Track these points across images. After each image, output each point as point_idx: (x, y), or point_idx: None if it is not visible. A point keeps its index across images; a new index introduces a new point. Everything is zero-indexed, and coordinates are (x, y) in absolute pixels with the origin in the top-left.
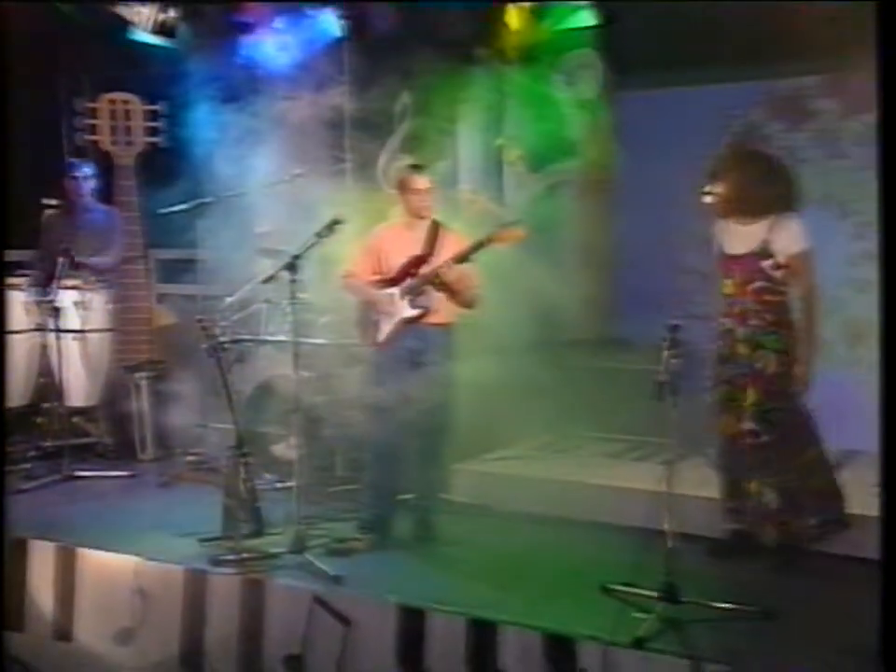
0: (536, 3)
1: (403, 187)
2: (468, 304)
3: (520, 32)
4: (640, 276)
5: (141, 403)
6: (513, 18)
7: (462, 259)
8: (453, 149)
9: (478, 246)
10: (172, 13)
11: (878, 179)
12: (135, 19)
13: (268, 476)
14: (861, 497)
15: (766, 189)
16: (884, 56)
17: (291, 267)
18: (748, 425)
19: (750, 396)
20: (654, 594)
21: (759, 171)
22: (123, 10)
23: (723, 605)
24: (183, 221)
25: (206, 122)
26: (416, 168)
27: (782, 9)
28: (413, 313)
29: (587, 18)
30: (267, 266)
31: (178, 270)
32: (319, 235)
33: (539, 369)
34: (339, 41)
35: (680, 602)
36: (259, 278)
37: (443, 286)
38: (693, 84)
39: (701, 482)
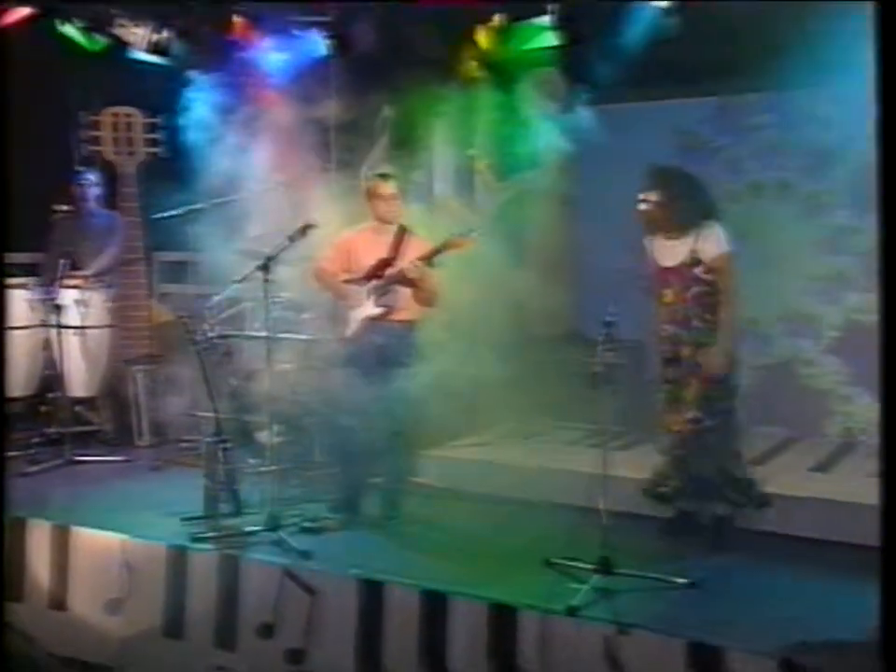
0: (504, 23)
1: (371, 194)
2: (429, 303)
3: (489, 51)
4: (599, 278)
5: (138, 394)
6: (483, 38)
7: (423, 261)
8: (428, 159)
9: (436, 251)
10: (165, 34)
11: (878, 179)
12: (131, 39)
13: (252, 461)
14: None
15: (687, 205)
16: (884, 56)
17: (265, 267)
18: (691, 413)
19: (694, 388)
20: (590, 566)
21: (679, 189)
22: (120, 32)
23: (653, 575)
24: (182, 225)
25: (202, 133)
26: (383, 176)
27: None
28: (378, 311)
29: (551, 38)
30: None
31: (179, 270)
32: (291, 239)
33: (505, 363)
34: (325, 59)
35: (613, 573)
36: (236, 279)
37: (408, 283)
38: (651, 100)
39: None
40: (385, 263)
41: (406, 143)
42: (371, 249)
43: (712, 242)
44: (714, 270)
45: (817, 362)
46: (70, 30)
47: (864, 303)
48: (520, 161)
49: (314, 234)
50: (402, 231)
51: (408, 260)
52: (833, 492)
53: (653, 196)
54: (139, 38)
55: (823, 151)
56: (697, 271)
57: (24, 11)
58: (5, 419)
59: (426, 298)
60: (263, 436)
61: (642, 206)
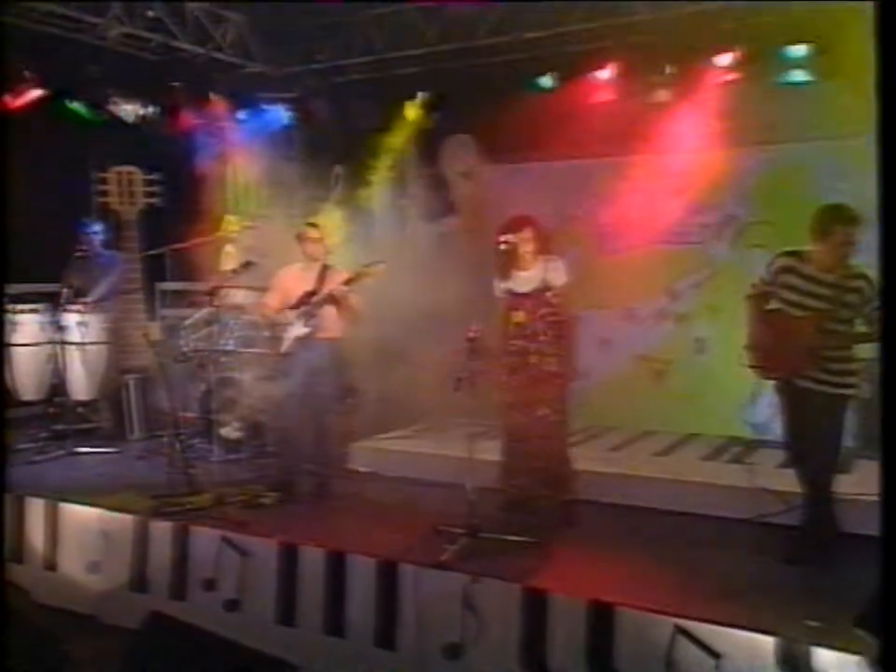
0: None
1: (300, 238)
2: (353, 321)
3: (416, 121)
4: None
5: (130, 397)
6: (410, 112)
7: (346, 285)
8: (370, 206)
9: (353, 279)
10: (151, 109)
11: (878, 179)
12: (122, 115)
13: (216, 450)
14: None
15: (540, 244)
16: (884, 56)
17: (211, 294)
18: (542, 410)
19: (541, 390)
20: (461, 531)
21: (533, 232)
22: (114, 109)
23: (509, 538)
24: (178, 259)
25: (189, 186)
26: (311, 224)
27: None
28: (305, 331)
29: (463, 112)
30: (236, 294)
31: (178, 297)
32: (235, 272)
33: (425, 371)
34: (288, 127)
35: (479, 537)
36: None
37: (333, 303)
38: (551, 159)
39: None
40: (311, 294)
41: (353, 194)
42: (300, 283)
43: (557, 272)
44: (560, 295)
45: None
46: (78, 106)
47: None
48: (442, 208)
49: (265, 267)
50: (325, 268)
51: (328, 289)
52: (671, 472)
53: (513, 238)
54: (129, 113)
55: None
56: (548, 295)
57: (37, 93)
58: (4, 413)
59: (350, 316)
60: (224, 430)
61: (503, 247)
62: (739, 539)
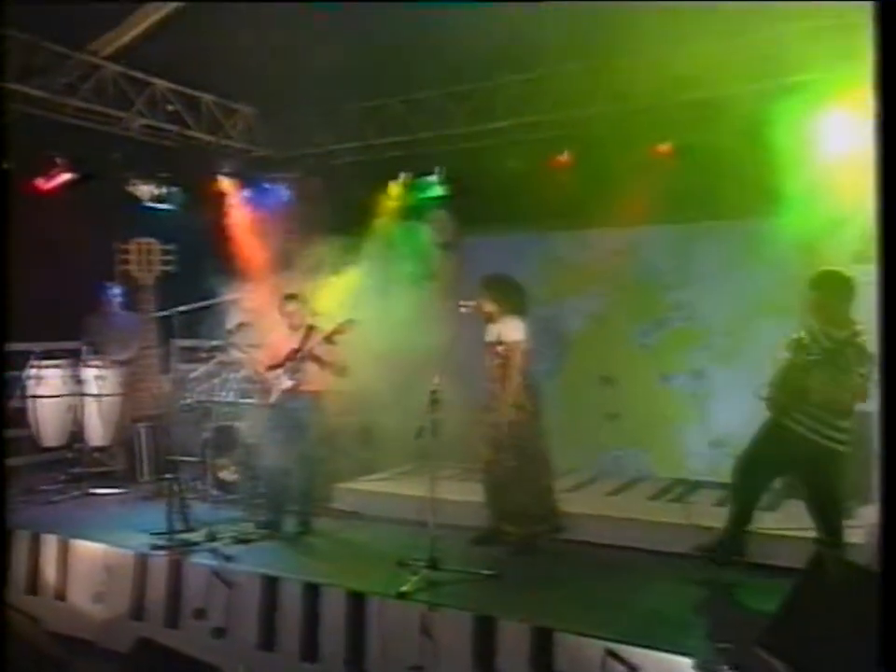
0: (408, 179)
1: (280, 310)
2: (339, 374)
3: (398, 198)
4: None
5: (141, 443)
6: (394, 190)
7: (325, 341)
8: (358, 271)
9: (330, 335)
10: (164, 189)
11: (878, 179)
12: (138, 194)
13: (215, 492)
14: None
15: (501, 303)
16: (884, 56)
17: (212, 350)
18: (502, 455)
19: (504, 435)
20: (423, 563)
21: (498, 292)
22: (132, 189)
23: (467, 570)
24: (191, 319)
25: (199, 255)
26: (290, 297)
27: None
28: (290, 384)
29: (441, 190)
30: (234, 351)
31: (187, 353)
32: (230, 332)
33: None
34: (287, 203)
35: (439, 569)
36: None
37: (314, 359)
38: (516, 233)
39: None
40: (296, 351)
41: (345, 260)
42: (287, 342)
43: (511, 329)
44: (509, 349)
45: None
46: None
47: None
48: (422, 274)
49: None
50: (309, 329)
51: (310, 347)
52: (617, 510)
53: (471, 303)
54: (145, 193)
55: None
56: (500, 348)
57: (68, 175)
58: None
59: (335, 369)
60: (223, 474)
61: (462, 310)
62: (673, 570)
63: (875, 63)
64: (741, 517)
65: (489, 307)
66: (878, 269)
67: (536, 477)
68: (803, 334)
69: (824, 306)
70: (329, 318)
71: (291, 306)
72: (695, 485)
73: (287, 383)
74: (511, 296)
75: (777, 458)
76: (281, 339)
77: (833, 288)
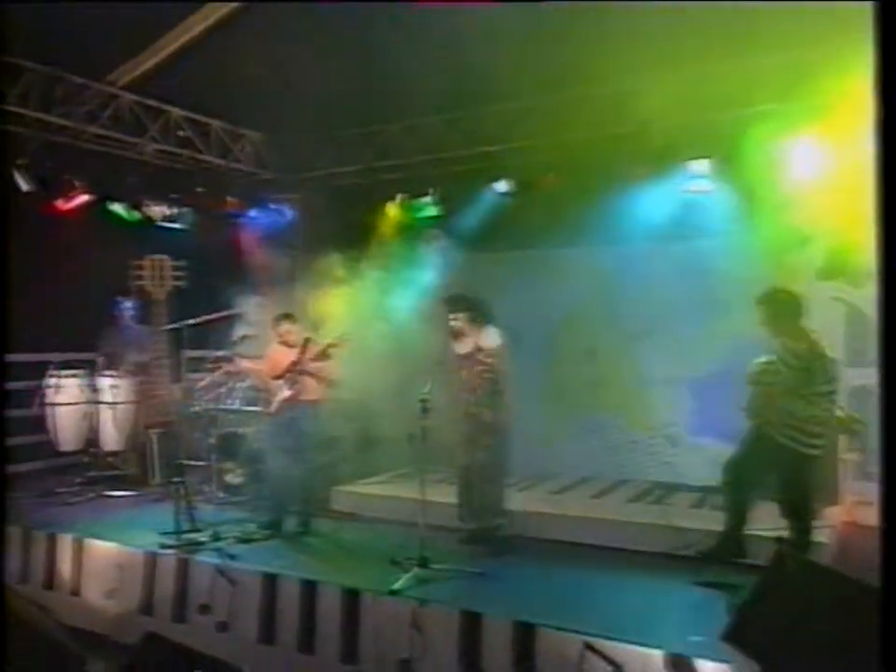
0: (405, 200)
1: (273, 329)
2: (331, 385)
3: (396, 218)
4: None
5: (153, 448)
6: (392, 210)
7: (319, 356)
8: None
9: (325, 349)
10: (176, 209)
11: (878, 179)
12: (151, 214)
13: (221, 495)
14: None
15: (473, 317)
16: (884, 56)
17: (217, 360)
18: (480, 455)
19: (482, 437)
20: (413, 562)
21: (467, 307)
22: (146, 210)
23: (456, 568)
24: (199, 332)
25: (209, 271)
26: (285, 316)
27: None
28: (289, 394)
29: (435, 211)
30: (239, 362)
31: (196, 363)
32: (234, 344)
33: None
34: (292, 222)
35: (429, 567)
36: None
37: (307, 374)
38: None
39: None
40: (294, 364)
41: (345, 275)
42: (287, 356)
43: (489, 338)
44: (491, 355)
45: None
46: (117, 207)
47: None
48: (418, 291)
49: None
50: (307, 342)
51: (306, 360)
52: (601, 512)
53: (454, 316)
54: (157, 213)
55: None
56: (481, 356)
57: (86, 197)
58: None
59: (327, 382)
60: (229, 477)
61: (452, 323)
62: (652, 568)
63: (876, 63)
64: (735, 518)
65: (459, 323)
66: (878, 268)
67: (503, 474)
68: (772, 358)
69: (772, 321)
70: (328, 331)
71: (285, 326)
72: (673, 488)
73: (286, 392)
74: (479, 308)
75: (761, 462)
76: (282, 351)
77: (779, 304)
